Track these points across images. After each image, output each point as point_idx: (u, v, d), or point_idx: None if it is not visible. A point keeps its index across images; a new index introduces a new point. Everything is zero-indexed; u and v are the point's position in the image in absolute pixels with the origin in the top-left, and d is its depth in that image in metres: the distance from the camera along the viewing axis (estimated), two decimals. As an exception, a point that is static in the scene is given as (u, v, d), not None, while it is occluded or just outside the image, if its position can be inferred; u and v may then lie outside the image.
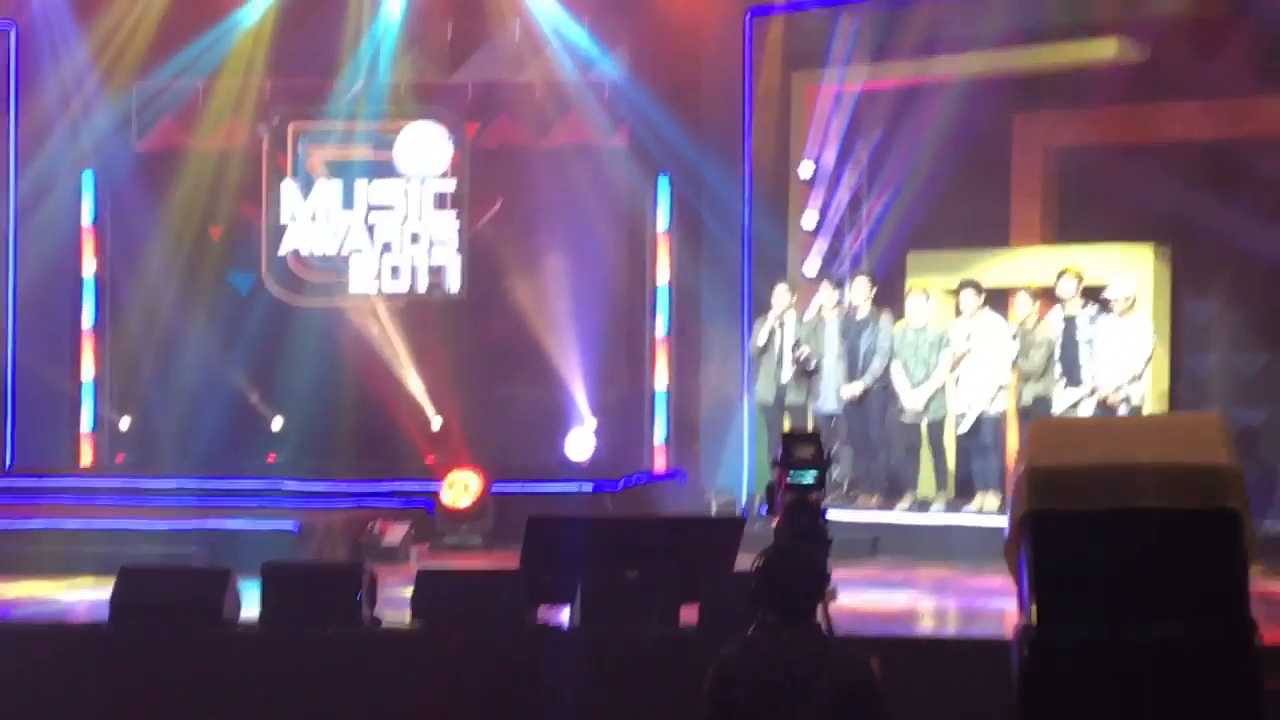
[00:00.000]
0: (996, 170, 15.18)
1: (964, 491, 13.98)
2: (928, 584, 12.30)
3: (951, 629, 11.19)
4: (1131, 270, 13.94)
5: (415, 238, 16.84)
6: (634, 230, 16.57)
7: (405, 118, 16.82)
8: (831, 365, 14.20)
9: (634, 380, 16.48)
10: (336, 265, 16.93)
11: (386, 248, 16.87)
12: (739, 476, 15.56)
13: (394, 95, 16.78)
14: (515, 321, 16.57)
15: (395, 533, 13.76)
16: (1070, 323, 13.48)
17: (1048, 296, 13.86)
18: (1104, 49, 14.33)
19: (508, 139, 16.93)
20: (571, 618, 9.46)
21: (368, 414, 16.43)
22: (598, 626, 9.26)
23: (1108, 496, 6.16)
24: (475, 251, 16.83)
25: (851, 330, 14.18)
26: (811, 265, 15.68)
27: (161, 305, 16.86)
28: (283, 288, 16.95)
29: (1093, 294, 13.51)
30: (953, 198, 14.95)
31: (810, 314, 14.50)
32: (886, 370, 14.00)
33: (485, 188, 16.88)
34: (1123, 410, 13.09)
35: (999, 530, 11.26)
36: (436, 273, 16.81)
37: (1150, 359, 13.38)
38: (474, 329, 16.95)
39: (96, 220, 16.97)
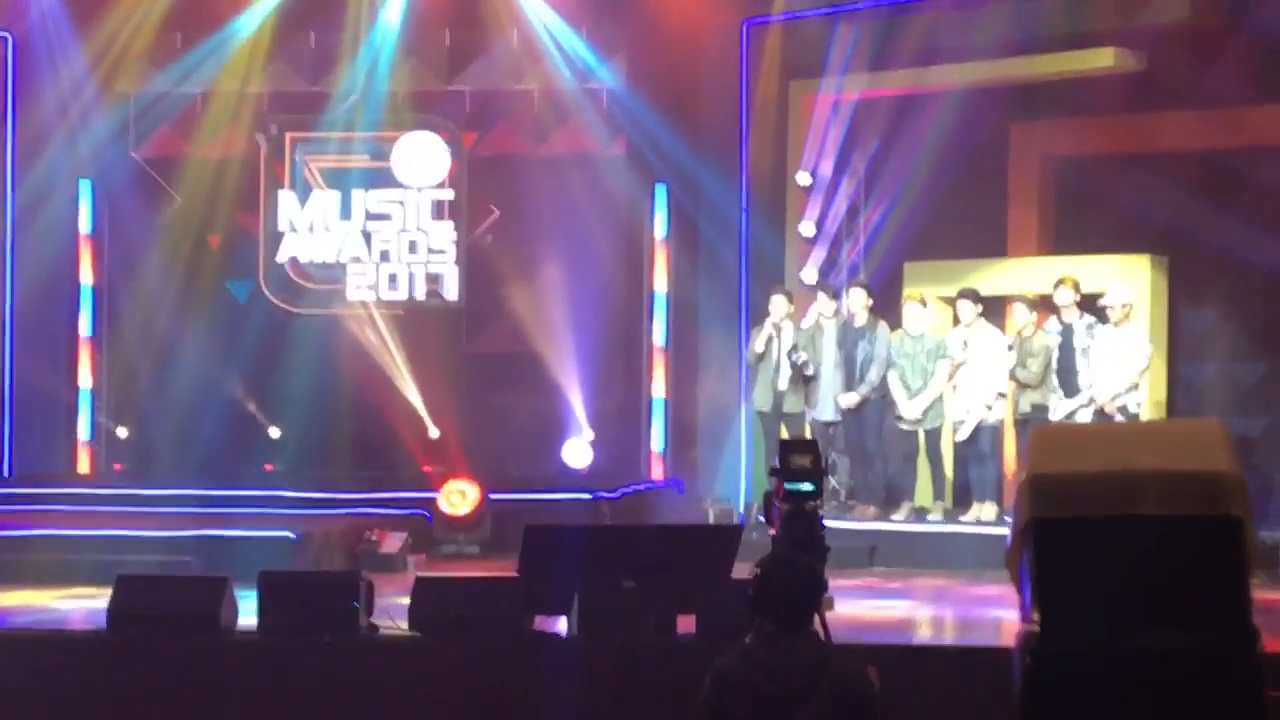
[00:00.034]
0: (994, 179, 15.19)
1: (961, 500, 13.98)
2: (925, 593, 12.30)
3: (949, 638, 11.18)
4: (1129, 279, 13.95)
5: (413, 246, 16.84)
6: (631, 239, 16.57)
7: (403, 127, 16.83)
8: (829, 374, 14.20)
9: (631, 389, 16.48)
10: (334, 274, 16.93)
11: (384, 256, 16.88)
12: (736, 485, 15.56)
13: (392, 104, 16.78)
14: (513, 330, 16.58)
15: (393, 541, 13.76)
16: (1067, 332, 13.49)
17: (1045, 305, 13.88)
18: (1101, 58, 14.33)
19: (505, 148, 16.95)
20: (569, 627, 9.44)
21: (365, 423, 16.42)
22: (595, 635, 9.25)
23: (1109, 504, 6.16)
24: (473, 260, 16.83)
25: (849, 339, 14.18)
26: (809, 274, 15.68)
27: (159, 314, 16.85)
28: (280, 296, 16.96)
29: (1089, 303, 13.52)
30: (950, 207, 14.95)
31: (808, 322, 14.50)
32: (884, 379, 14.00)
33: (483, 196, 16.89)
34: (1119, 419, 13.10)
35: (997, 539, 11.33)
36: (434, 281, 16.82)
37: (1147, 368, 13.39)
38: (471, 338, 16.95)
39: (94, 229, 16.96)
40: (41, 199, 16.55)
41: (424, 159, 16.81)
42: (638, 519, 14.82)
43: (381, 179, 16.87)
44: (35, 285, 16.56)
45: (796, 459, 9.50)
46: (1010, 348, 13.67)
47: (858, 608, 11.01)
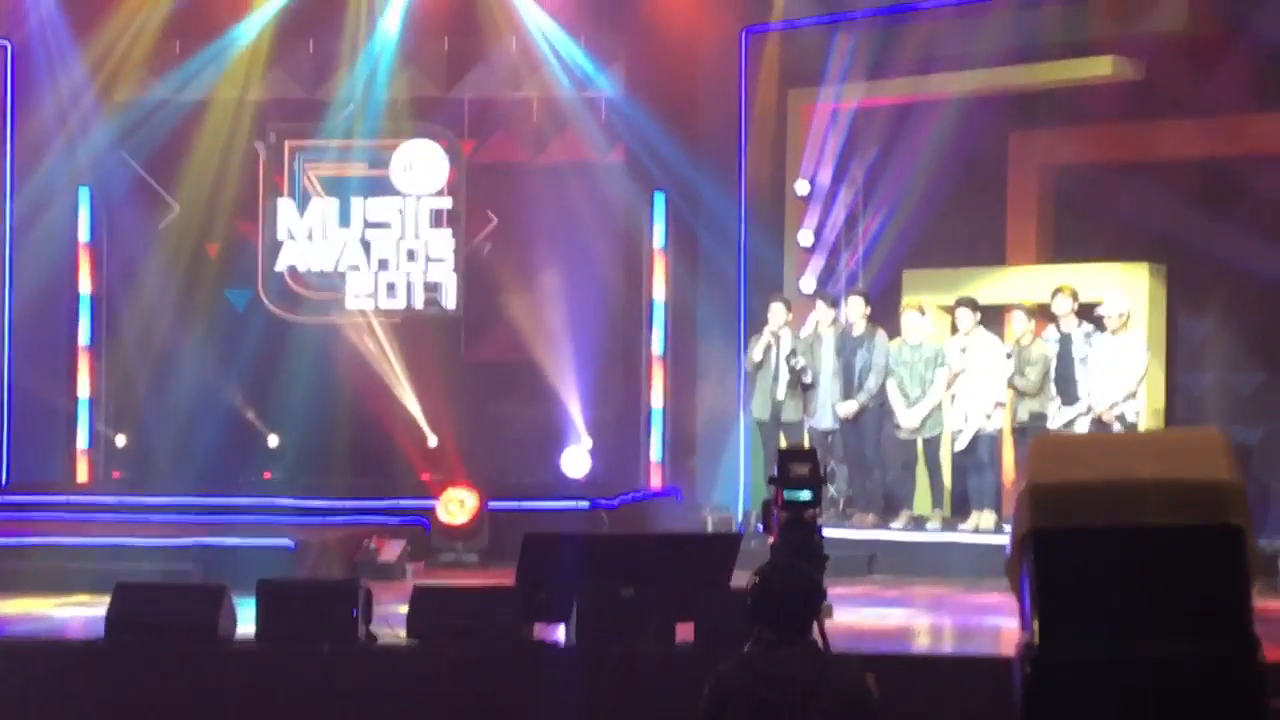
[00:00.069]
0: (992, 188, 15.19)
1: (960, 509, 13.97)
2: (924, 601, 12.30)
3: (948, 646, 11.18)
4: (1127, 288, 13.96)
5: (411, 254, 16.85)
6: (630, 247, 16.57)
7: (402, 135, 16.84)
8: (827, 382, 14.20)
9: (630, 397, 16.48)
10: (333, 282, 16.93)
11: (383, 264, 16.88)
12: (735, 493, 15.55)
13: (390, 112, 16.79)
14: (511, 338, 16.58)
15: (391, 550, 13.74)
16: (1065, 341, 13.50)
17: (1043, 314, 13.88)
18: (1099, 67, 14.35)
19: (504, 156, 16.96)
20: (567, 635, 9.45)
21: (364, 431, 16.42)
22: (593, 644, 9.24)
23: (1110, 513, 6.15)
24: (471, 268, 16.84)
25: (847, 347, 14.18)
26: (807, 282, 15.69)
27: (158, 322, 16.85)
28: (279, 304, 16.96)
29: (1087, 312, 13.53)
30: (948, 215, 14.96)
31: (806, 331, 14.51)
32: (882, 388, 14.00)
33: (481, 205, 16.89)
34: (1117, 428, 13.11)
35: (995, 547, 11.32)
36: (433, 289, 16.82)
37: (1144, 377, 13.39)
38: (470, 346, 16.96)
39: (93, 237, 16.97)
40: (40, 207, 16.56)
41: (423, 167, 16.82)
42: (636, 527, 14.79)
43: (380, 187, 16.88)
44: (34, 293, 16.56)
45: (795, 467, 9.50)
46: (1008, 356, 13.67)
47: (856, 616, 11.00)
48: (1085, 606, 6.13)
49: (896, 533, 13.97)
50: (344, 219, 16.93)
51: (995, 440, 13.81)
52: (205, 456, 16.33)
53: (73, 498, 15.59)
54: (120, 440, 17.04)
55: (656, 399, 16.30)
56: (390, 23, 16.54)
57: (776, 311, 14.38)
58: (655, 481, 16.21)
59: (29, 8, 16.41)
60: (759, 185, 16.04)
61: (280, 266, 16.94)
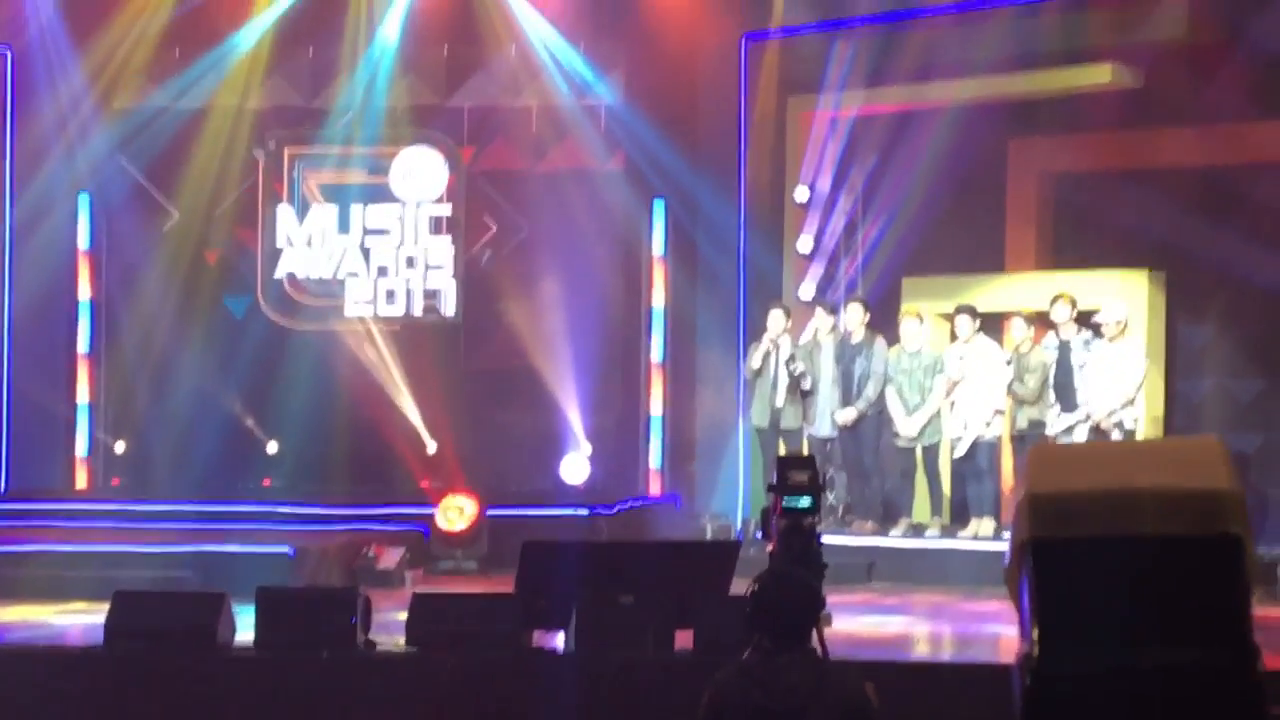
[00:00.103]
0: (991, 195, 15.19)
1: (959, 516, 13.96)
2: (923, 609, 12.29)
3: (947, 654, 11.17)
4: (1126, 295, 13.96)
5: (411, 262, 16.84)
6: (629, 254, 16.57)
7: (401, 142, 16.83)
8: (826, 390, 14.19)
9: (629, 404, 16.47)
10: (332, 289, 16.93)
11: (382, 272, 16.88)
12: (734, 501, 15.54)
13: (390, 119, 16.78)
14: (511, 346, 16.57)
15: (390, 557, 13.75)
16: (1064, 348, 13.50)
17: (1043, 322, 13.88)
18: (1099, 75, 14.35)
19: (503, 163, 16.96)
20: (566, 642, 9.44)
21: (363, 438, 16.42)
22: (592, 651, 9.25)
23: (1109, 522, 6.15)
24: (470, 276, 16.84)
25: (846, 355, 14.18)
26: (806, 290, 15.69)
27: (157, 329, 16.84)
28: (278, 311, 16.95)
29: (1086, 319, 13.53)
30: (948, 223, 14.97)
31: (805, 338, 14.50)
32: (881, 395, 14.00)
33: (481, 212, 16.89)
34: (1116, 435, 13.12)
35: (994, 555, 11.32)
36: (432, 297, 16.82)
37: (1143, 384, 13.40)
38: (469, 353, 16.94)
39: (92, 244, 16.95)
40: (40, 214, 16.56)
41: (422, 174, 16.82)
42: (635, 534, 14.81)
43: (379, 194, 16.88)
44: (33, 300, 16.56)
45: (794, 475, 9.50)
46: (1008, 363, 13.67)
47: (855, 623, 11.01)
48: (1085, 616, 6.12)
49: (895, 540, 13.96)
50: (343, 226, 16.93)
51: (994, 447, 13.80)
52: (204, 463, 16.33)
53: (72, 505, 15.61)
54: (119, 447, 17.02)
55: (656, 406, 16.30)
56: (390, 30, 16.55)
57: (776, 319, 14.37)
58: (654, 489, 16.20)
59: (29, 14, 16.41)
60: (758, 192, 16.04)
61: (279, 273, 16.94)
